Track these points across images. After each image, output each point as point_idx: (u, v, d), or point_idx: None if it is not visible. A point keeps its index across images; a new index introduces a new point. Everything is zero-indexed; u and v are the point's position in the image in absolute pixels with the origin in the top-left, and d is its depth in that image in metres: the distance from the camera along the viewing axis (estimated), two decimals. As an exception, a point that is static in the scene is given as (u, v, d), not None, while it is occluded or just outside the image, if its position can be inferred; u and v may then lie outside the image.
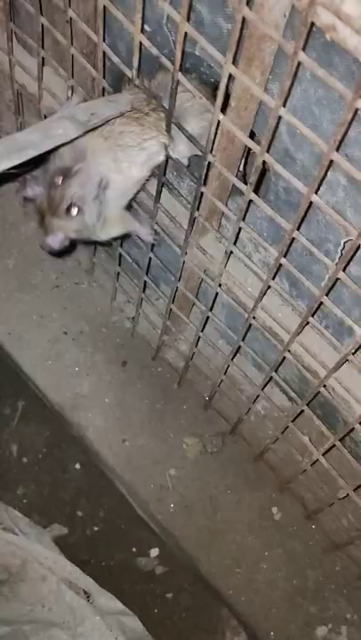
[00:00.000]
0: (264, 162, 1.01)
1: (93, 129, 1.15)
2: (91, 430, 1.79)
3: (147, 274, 1.59)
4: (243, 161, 1.23)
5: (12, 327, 1.87)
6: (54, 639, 1.61)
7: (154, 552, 1.88)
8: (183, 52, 1.01)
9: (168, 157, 1.22)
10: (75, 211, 1.18)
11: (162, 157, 1.22)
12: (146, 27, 1.19)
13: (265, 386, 1.50)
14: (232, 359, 1.53)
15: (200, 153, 1.11)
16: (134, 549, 1.88)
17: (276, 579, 1.67)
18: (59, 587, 1.68)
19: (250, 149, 1.21)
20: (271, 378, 1.44)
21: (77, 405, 1.81)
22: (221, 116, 1.02)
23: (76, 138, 1.13)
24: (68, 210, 1.18)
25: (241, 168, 1.24)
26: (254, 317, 1.33)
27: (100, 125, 1.17)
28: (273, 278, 1.20)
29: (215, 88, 1.20)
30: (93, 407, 1.80)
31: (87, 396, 1.81)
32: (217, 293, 1.39)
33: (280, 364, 1.38)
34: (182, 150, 1.21)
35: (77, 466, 1.94)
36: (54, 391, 1.83)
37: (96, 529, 1.89)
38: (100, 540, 1.89)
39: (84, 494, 1.92)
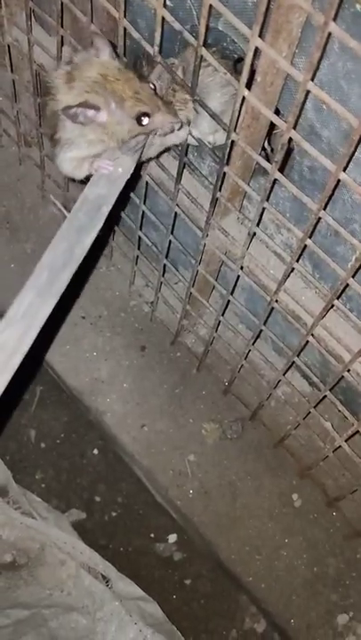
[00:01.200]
0: (290, 140, 0.98)
1: None
2: (109, 415, 1.78)
3: (166, 257, 1.57)
4: (265, 140, 1.20)
5: (30, 312, 1.85)
6: (73, 624, 1.61)
7: (172, 538, 1.87)
8: (207, 27, 0.98)
9: (190, 135, 1.20)
10: None
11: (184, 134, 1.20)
12: (167, 1, 1.16)
13: (286, 371, 1.48)
14: (253, 343, 1.51)
15: (223, 131, 1.09)
16: (152, 535, 1.88)
17: (296, 566, 1.65)
18: (78, 571, 1.69)
19: (271, 128, 1.19)
20: (293, 363, 1.42)
21: (96, 390, 1.80)
22: (246, 92, 0.99)
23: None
24: None
25: (266, 146, 1.21)
26: (277, 301, 1.31)
27: None
28: (297, 260, 1.17)
29: (237, 63, 1.18)
30: (112, 392, 1.79)
31: (105, 381, 1.80)
32: (238, 276, 1.37)
33: (303, 349, 1.36)
34: (205, 128, 1.19)
35: (95, 451, 1.93)
36: (72, 376, 1.82)
37: (114, 514, 1.89)
38: (118, 525, 1.88)
39: (102, 480, 1.91)
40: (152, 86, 1.08)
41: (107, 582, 1.69)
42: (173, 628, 1.65)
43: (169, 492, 1.73)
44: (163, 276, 1.65)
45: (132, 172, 1.15)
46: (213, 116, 1.10)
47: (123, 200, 1.65)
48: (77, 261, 1.09)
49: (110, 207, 1.12)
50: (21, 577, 1.70)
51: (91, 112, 1.03)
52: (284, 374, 1.49)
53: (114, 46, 1.07)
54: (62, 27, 1.33)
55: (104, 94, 1.03)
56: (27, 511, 1.74)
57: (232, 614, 1.78)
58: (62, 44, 1.37)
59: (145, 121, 1.06)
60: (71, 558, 1.70)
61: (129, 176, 1.15)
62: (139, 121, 1.06)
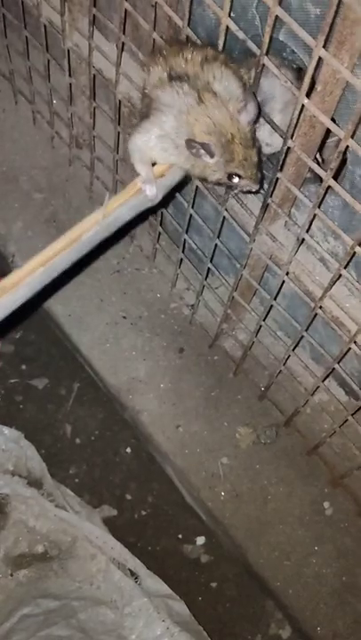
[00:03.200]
0: (346, 148, 1.01)
1: None
2: (145, 415, 1.80)
3: (210, 261, 1.60)
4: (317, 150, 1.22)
5: (72, 309, 1.90)
6: (102, 617, 1.64)
7: (200, 540, 1.89)
8: (271, 37, 1.02)
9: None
10: None
11: None
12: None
13: (325, 378, 1.50)
14: (293, 350, 1.52)
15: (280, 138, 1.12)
16: (180, 536, 1.89)
17: (325, 574, 1.66)
18: (107, 566, 1.71)
19: (325, 137, 1.21)
20: (333, 370, 1.44)
21: (133, 389, 1.83)
22: (306, 101, 1.02)
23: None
24: None
25: (317, 157, 1.23)
26: (321, 307, 1.33)
27: None
28: (345, 267, 1.19)
29: (297, 73, 1.21)
30: (149, 392, 1.82)
31: (143, 381, 1.83)
32: (283, 282, 1.39)
33: (344, 356, 1.37)
34: (265, 132, 1.21)
35: (128, 449, 1.96)
36: (110, 374, 1.85)
37: (144, 513, 1.91)
38: (148, 524, 1.90)
39: (133, 478, 1.94)
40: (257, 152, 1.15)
41: (135, 579, 1.71)
42: (200, 629, 1.67)
43: (200, 493, 1.75)
44: (205, 279, 1.67)
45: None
46: (271, 122, 1.14)
47: (167, 204, 1.70)
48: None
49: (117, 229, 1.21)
50: (52, 568, 1.73)
51: (203, 153, 1.10)
52: (323, 381, 1.50)
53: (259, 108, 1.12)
54: (124, 33, 1.38)
55: (223, 148, 1.10)
56: (60, 504, 1.77)
57: (257, 619, 1.79)
58: (122, 50, 1.42)
59: (235, 179, 1.14)
60: (102, 553, 1.73)
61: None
62: (230, 177, 1.14)
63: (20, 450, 1.83)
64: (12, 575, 1.71)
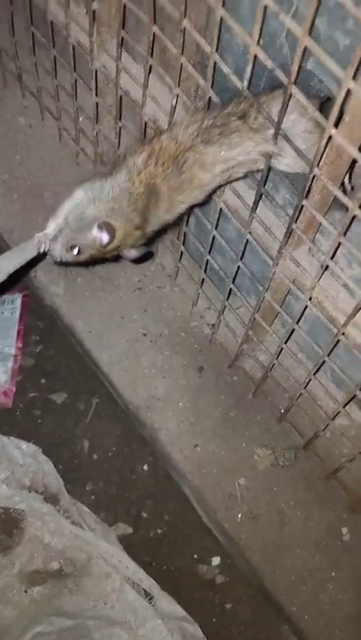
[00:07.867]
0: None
1: None
2: (163, 433, 1.80)
3: (233, 282, 1.60)
4: (345, 176, 1.22)
5: (93, 325, 1.91)
6: (116, 638, 1.63)
7: (215, 561, 1.87)
8: (300, 66, 1.02)
9: (270, 169, 1.23)
10: None
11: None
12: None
13: (347, 403, 1.48)
14: (314, 374, 1.51)
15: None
16: (196, 556, 1.88)
17: (341, 600, 1.64)
18: (122, 586, 1.71)
19: (353, 164, 1.21)
20: (355, 396, 1.42)
21: (151, 407, 1.83)
22: (334, 131, 1.02)
23: None
24: None
25: (346, 182, 1.23)
26: (343, 333, 1.32)
27: None
28: (369, 295, 1.18)
29: (322, 103, 1.20)
30: (167, 410, 1.82)
31: (162, 399, 1.83)
32: (306, 306, 1.38)
33: (366, 383, 1.36)
34: (289, 163, 1.21)
35: (145, 467, 1.96)
36: (129, 391, 1.86)
37: (160, 532, 1.90)
38: (163, 543, 1.89)
39: (150, 496, 1.93)
40: None
41: (150, 599, 1.71)
42: (213, 652, 1.65)
43: (217, 514, 1.74)
44: (227, 300, 1.67)
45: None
46: (297, 150, 1.13)
47: (189, 224, 1.70)
48: None
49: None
50: (67, 586, 1.73)
51: None
52: (343, 407, 1.49)
53: None
54: (152, 56, 1.38)
55: None
56: (76, 521, 1.77)
57: (272, 643, 1.77)
58: (150, 73, 1.43)
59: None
60: (116, 572, 1.72)
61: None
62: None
63: (37, 465, 1.83)
64: (25, 592, 1.71)
